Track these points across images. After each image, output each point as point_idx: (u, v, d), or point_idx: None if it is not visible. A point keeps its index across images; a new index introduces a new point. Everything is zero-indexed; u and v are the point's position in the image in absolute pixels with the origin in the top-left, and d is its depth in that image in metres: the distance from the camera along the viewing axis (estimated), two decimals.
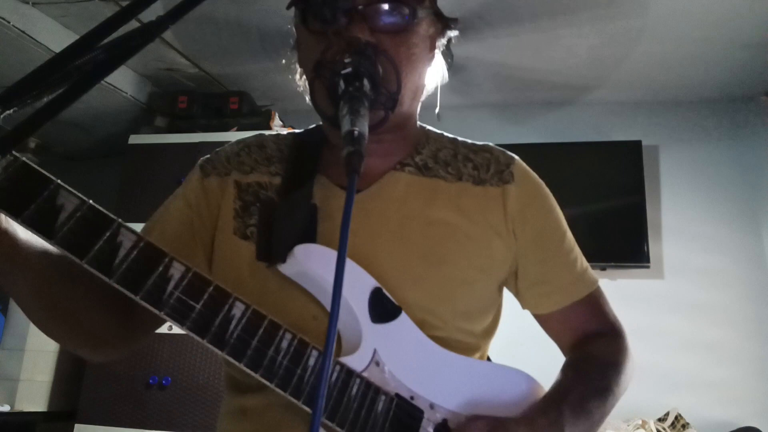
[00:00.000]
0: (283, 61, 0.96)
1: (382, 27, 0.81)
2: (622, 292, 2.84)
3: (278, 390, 0.68)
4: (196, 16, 2.43)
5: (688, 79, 3.04)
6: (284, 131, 1.26)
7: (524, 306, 0.96)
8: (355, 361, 0.74)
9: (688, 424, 2.59)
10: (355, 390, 0.72)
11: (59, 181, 0.64)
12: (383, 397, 0.74)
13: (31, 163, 0.63)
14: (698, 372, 2.80)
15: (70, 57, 0.55)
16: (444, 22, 0.92)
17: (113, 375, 2.62)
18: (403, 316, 0.79)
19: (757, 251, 2.98)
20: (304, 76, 0.90)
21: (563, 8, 2.48)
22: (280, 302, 0.78)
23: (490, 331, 0.92)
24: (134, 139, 3.09)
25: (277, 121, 3.13)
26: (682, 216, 3.08)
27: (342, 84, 0.74)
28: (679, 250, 3.03)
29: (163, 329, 0.72)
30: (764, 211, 3.03)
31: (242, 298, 0.69)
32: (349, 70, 0.75)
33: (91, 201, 0.65)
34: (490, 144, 0.98)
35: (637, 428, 2.51)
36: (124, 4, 0.65)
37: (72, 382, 2.84)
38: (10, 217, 0.63)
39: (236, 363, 0.67)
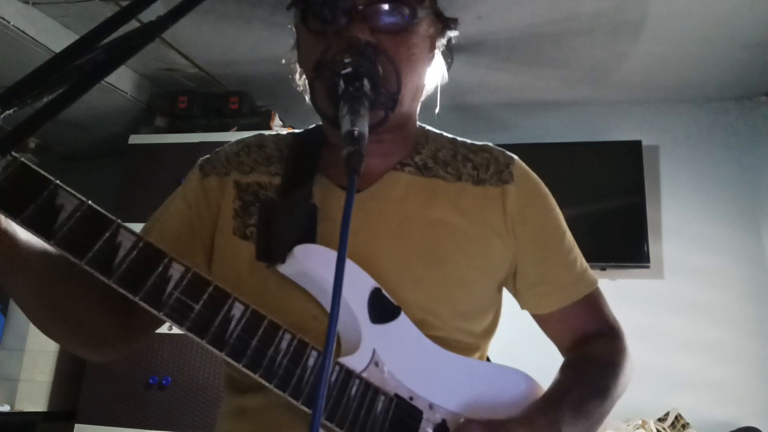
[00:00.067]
0: (283, 61, 0.96)
1: (382, 27, 0.81)
2: (622, 292, 2.86)
3: (277, 390, 0.68)
4: (195, 16, 2.43)
5: (688, 79, 3.04)
6: (284, 131, 1.26)
7: (523, 306, 0.96)
8: (355, 362, 0.74)
9: (688, 424, 2.59)
10: (354, 390, 0.72)
11: (58, 181, 0.64)
12: (382, 398, 0.74)
13: (30, 163, 0.63)
14: (698, 372, 2.80)
15: (70, 57, 0.55)
16: (444, 22, 0.92)
17: (113, 375, 2.62)
18: (403, 317, 0.79)
19: (757, 251, 2.98)
20: (304, 76, 0.90)
21: (563, 7, 2.48)
22: (280, 302, 0.78)
23: (489, 331, 0.92)
24: (134, 139, 3.09)
25: (277, 121, 3.13)
26: (682, 216, 3.08)
27: (342, 84, 0.74)
28: (679, 250, 3.03)
29: (163, 329, 0.72)
30: (764, 211, 3.03)
31: (242, 299, 0.69)
32: (349, 70, 0.75)
33: (90, 201, 0.65)
34: (490, 144, 0.98)
35: (637, 428, 2.51)
36: (124, 4, 0.65)
37: (72, 382, 2.84)
38: (8, 218, 0.63)
39: (235, 364, 0.67)
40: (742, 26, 2.55)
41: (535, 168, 0.97)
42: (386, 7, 0.81)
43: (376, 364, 0.76)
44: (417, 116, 0.95)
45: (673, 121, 3.24)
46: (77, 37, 0.67)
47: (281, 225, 0.81)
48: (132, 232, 0.67)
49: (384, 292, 0.79)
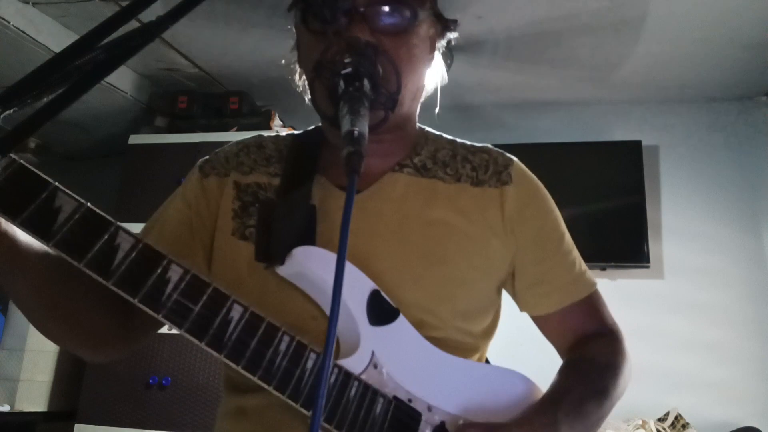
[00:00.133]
0: (283, 61, 0.96)
1: (383, 28, 0.81)
2: (622, 292, 2.87)
3: (276, 392, 0.68)
4: (196, 16, 2.43)
5: (688, 79, 3.04)
6: (284, 131, 1.26)
7: (523, 308, 0.96)
8: (354, 364, 0.74)
9: (688, 424, 2.59)
10: (353, 392, 0.72)
11: (57, 183, 0.64)
12: (381, 400, 0.74)
13: (28, 165, 0.63)
14: (698, 372, 2.80)
15: (70, 57, 0.55)
16: (444, 24, 0.92)
17: (113, 375, 2.62)
18: (401, 319, 0.79)
19: (757, 251, 2.98)
20: (304, 76, 0.90)
21: (563, 7, 2.48)
22: (280, 302, 0.78)
23: (489, 332, 0.92)
24: (134, 139, 3.09)
25: (277, 121, 3.13)
26: (682, 216, 3.08)
27: (342, 84, 0.74)
28: (679, 250, 3.03)
29: (164, 329, 0.72)
30: (764, 211, 3.03)
31: (241, 300, 0.69)
32: (348, 70, 0.75)
33: (89, 203, 0.65)
34: (489, 145, 0.98)
35: (637, 428, 2.51)
36: (124, 4, 0.65)
37: (72, 382, 2.84)
38: (7, 220, 0.63)
39: (234, 366, 0.67)
40: (742, 26, 2.55)
41: (535, 168, 0.97)
42: (387, 8, 0.81)
43: (375, 366, 0.76)
44: (417, 117, 0.95)
45: (673, 121, 3.24)
46: (77, 37, 0.66)
47: (280, 226, 0.81)
48: (131, 234, 0.67)
49: (383, 294, 0.79)
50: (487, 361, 0.95)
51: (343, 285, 0.52)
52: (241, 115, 3.12)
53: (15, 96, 0.54)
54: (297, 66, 0.92)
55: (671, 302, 2.94)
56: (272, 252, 0.79)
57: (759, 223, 3.02)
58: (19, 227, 0.62)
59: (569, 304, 0.93)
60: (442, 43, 0.93)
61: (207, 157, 0.96)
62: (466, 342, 0.87)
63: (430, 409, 0.78)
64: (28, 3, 2.52)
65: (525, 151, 1.14)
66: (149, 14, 0.60)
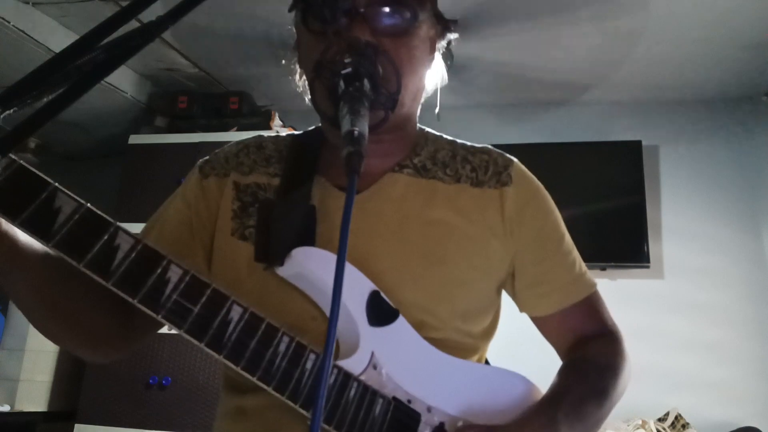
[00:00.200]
0: (283, 61, 0.96)
1: (383, 29, 0.81)
2: (622, 292, 2.87)
3: (276, 393, 0.68)
4: (196, 16, 2.43)
5: (688, 79, 3.04)
6: (284, 131, 1.26)
7: (522, 309, 0.96)
8: (353, 364, 0.74)
9: (688, 424, 2.59)
10: (352, 393, 0.72)
11: (57, 183, 0.64)
12: (381, 400, 0.74)
13: (28, 165, 0.63)
14: (698, 372, 2.80)
15: (70, 57, 0.55)
16: (444, 24, 0.92)
17: (113, 375, 2.62)
18: (401, 320, 0.79)
19: (757, 251, 2.98)
20: (304, 77, 0.90)
21: (563, 7, 2.48)
22: (280, 302, 0.78)
23: (488, 332, 0.92)
24: (134, 139, 3.09)
25: (277, 121, 3.13)
26: (682, 216, 3.08)
27: (342, 84, 0.74)
28: (679, 250, 3.03)
29: (164, 329, 0.72)
30: (764, 211, 3.03)
31: (240, 301, 0.69)
32: (349, 70, 0.75)
33: (88, 204, 0.65)
34: (489, 146, 0.98)
35: (637, 428, 2.51)
36: (124, 4, 0.65)
37: (72, 382, 2.84)
38: (7, 220, 0.63)
39: (234, 366, 0.67)
40: (742, 26, 2.55)
41: (535, 168, 0.97)
42: (387, 9, 0.81)
43: (375, 367, 0.76)
44: (417, 118, 0.95)
45: (673, 121, 3.24)
46: (77, 37, 0.66)
47: (280, 226, 0.81)
48: (130, 234, 0.67)
49: (382, 294, 0.79)
50: (486, 362, 0.95)
51: (343, 286, 0.52)
52: (241, 115, 3.12)
53: (15, 96, 0.53)
54: (297, 66, 0.92)
55: (671, 302, 2.94)
56: (272, 252, 0.79)
57: (759, 223, 3.02)
58: (19, 228, 0.62)
59: (569, 305, 0.93)
60: (442, 44, 0.93)
61: (207, 157, 0.96)
62: (465, 343, 0.87)
63: (429, 410, 0.78)
64: (28, 3, 2.52)
65: (525, 151, 1.14)
66: (149, 14, 0.60)
